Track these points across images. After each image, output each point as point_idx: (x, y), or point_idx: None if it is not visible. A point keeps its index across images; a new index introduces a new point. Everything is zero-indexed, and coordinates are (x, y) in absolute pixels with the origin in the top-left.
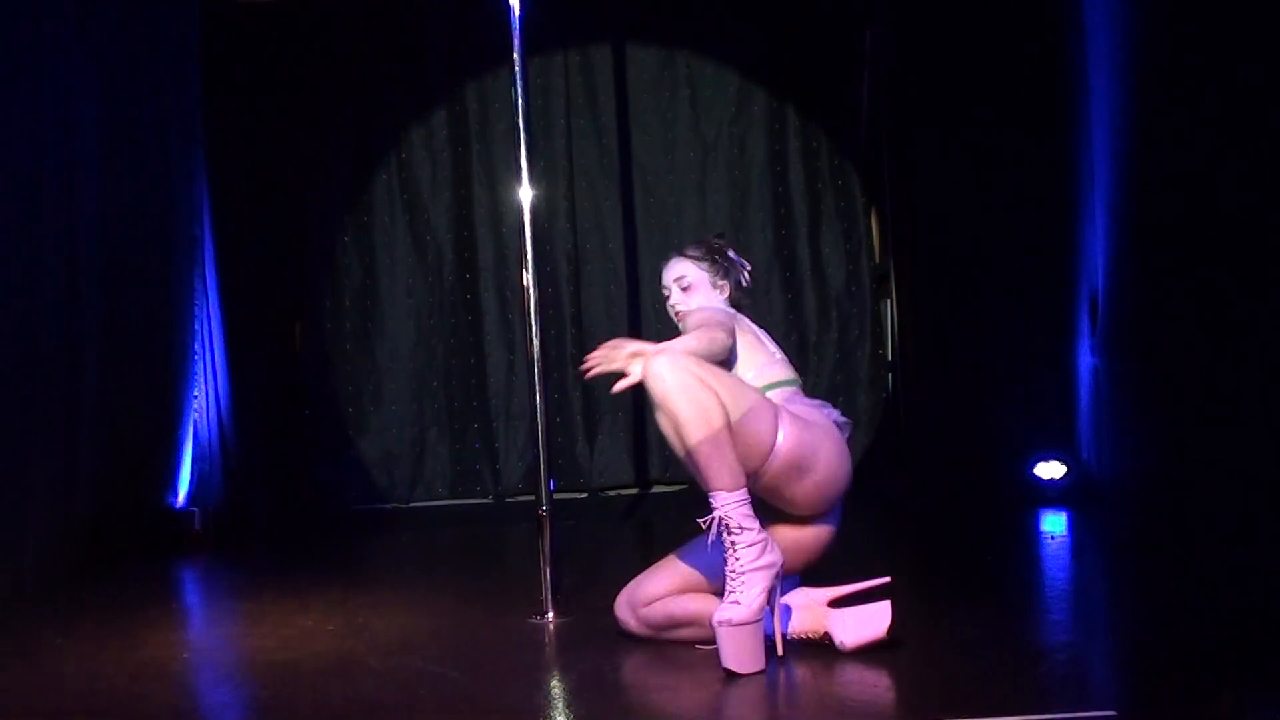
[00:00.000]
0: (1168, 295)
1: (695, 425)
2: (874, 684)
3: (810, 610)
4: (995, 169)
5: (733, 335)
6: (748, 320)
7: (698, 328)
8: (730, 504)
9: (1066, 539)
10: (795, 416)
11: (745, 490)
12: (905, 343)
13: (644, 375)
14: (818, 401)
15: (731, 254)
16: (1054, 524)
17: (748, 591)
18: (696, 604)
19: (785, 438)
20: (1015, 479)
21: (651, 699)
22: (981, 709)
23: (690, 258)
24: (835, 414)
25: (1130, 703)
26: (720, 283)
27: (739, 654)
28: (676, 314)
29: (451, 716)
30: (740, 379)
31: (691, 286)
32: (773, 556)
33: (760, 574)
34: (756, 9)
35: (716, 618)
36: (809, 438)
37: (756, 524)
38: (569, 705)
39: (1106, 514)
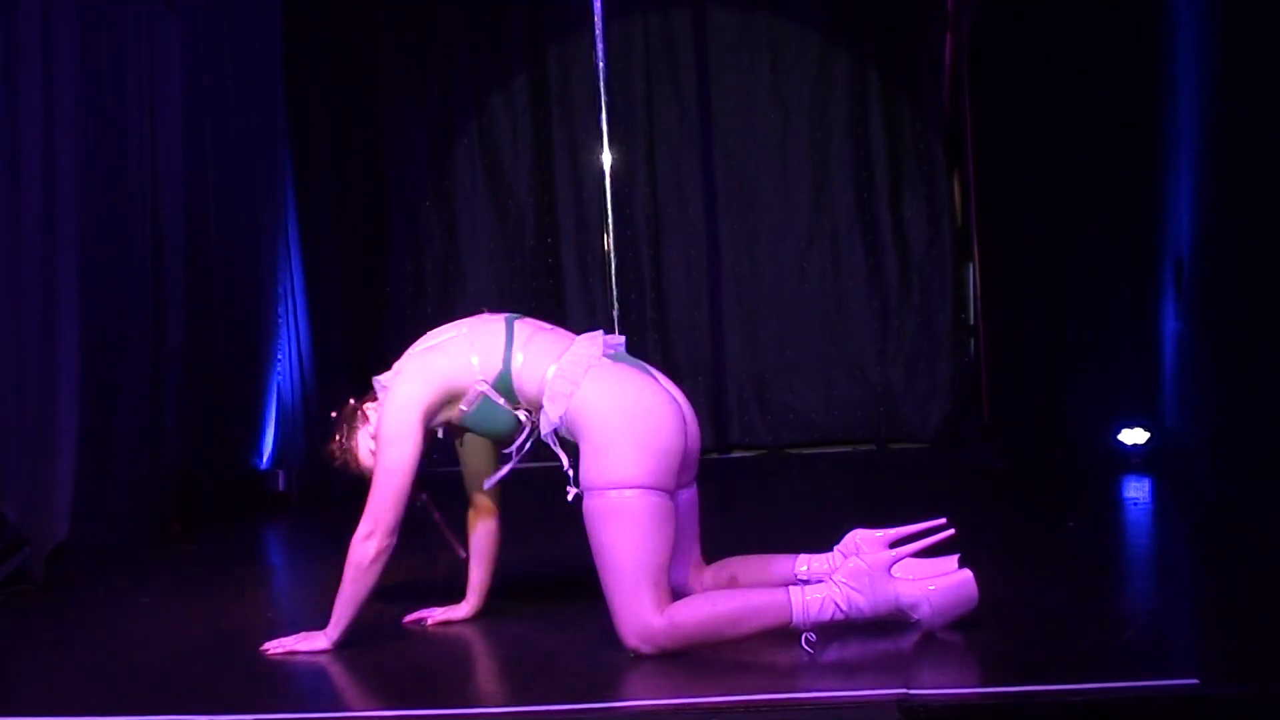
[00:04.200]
0: (1254, 259)
1: None
2: (953, 650)
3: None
4: (1080, 131)
5: (419, 434)
6: (416, 360)
7: (375, 479)
8: None
9: (1149, 505)
10: None
11: None
12: (987, 307)
13: None
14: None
15: (347, 408)
16: (1137, 490)
17: None
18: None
19: None
20: (1098, 445)
21: (724, 656)
22: (1063, 677)
23: (337, 446)
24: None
25: (1213, 671)
26: (360, 425)
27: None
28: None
29: (520, 678)
30: None
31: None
32: None
33: None
34: None
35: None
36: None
37: None
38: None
39: (1190, 480)
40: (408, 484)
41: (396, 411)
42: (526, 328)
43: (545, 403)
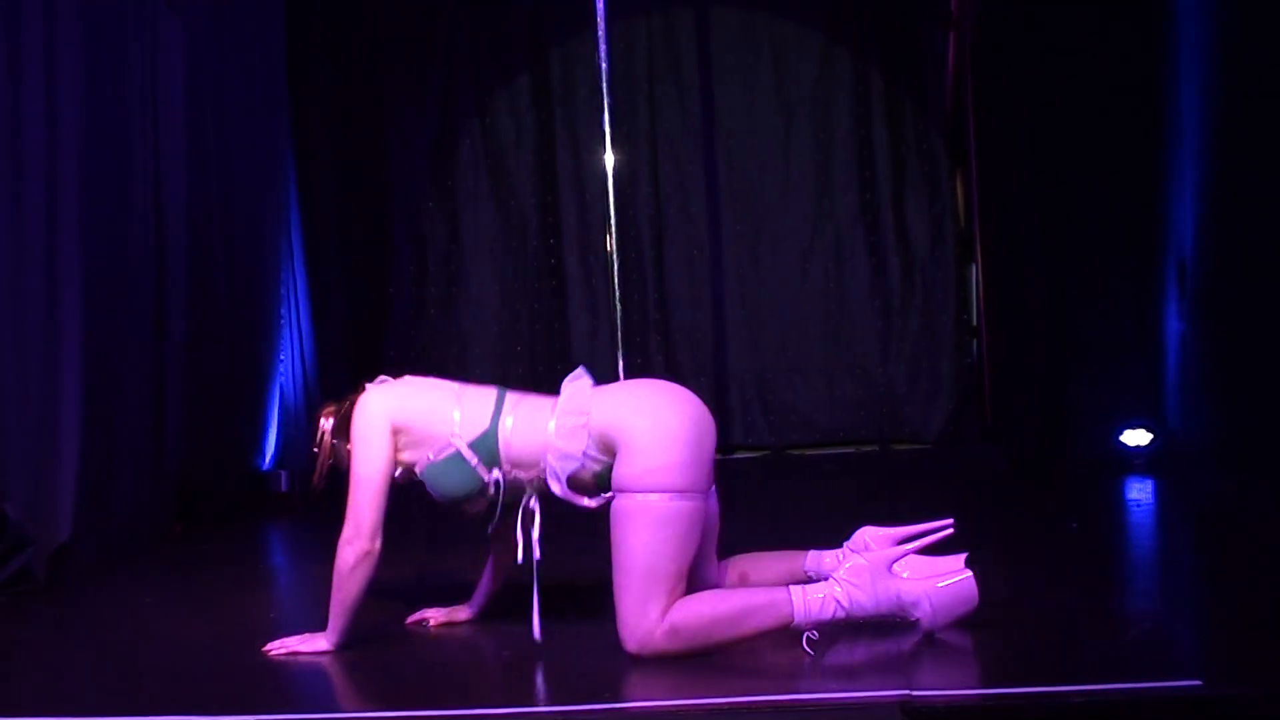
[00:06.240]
0: (1257, 260)
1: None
2: (956, 651)
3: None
4: (1082, 132)
5: (389, 453)
6: (407, 384)
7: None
8: None
9: (1152, 506)
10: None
11: None
12: (990, 308)
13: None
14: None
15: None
16: (1140, 491)
17: None
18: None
19: None
20: (1101, 446)
21: (725, 657)
22: (1066, 678)
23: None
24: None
25: (1216, 672)
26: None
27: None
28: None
29: (521, 679)
30: None
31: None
32: None
33: None
34: None
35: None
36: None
37: None
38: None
39: (1193, 481)
40: (384, 487)
41: (366, 418)
42: (514, 395)
43: (553, 458)
